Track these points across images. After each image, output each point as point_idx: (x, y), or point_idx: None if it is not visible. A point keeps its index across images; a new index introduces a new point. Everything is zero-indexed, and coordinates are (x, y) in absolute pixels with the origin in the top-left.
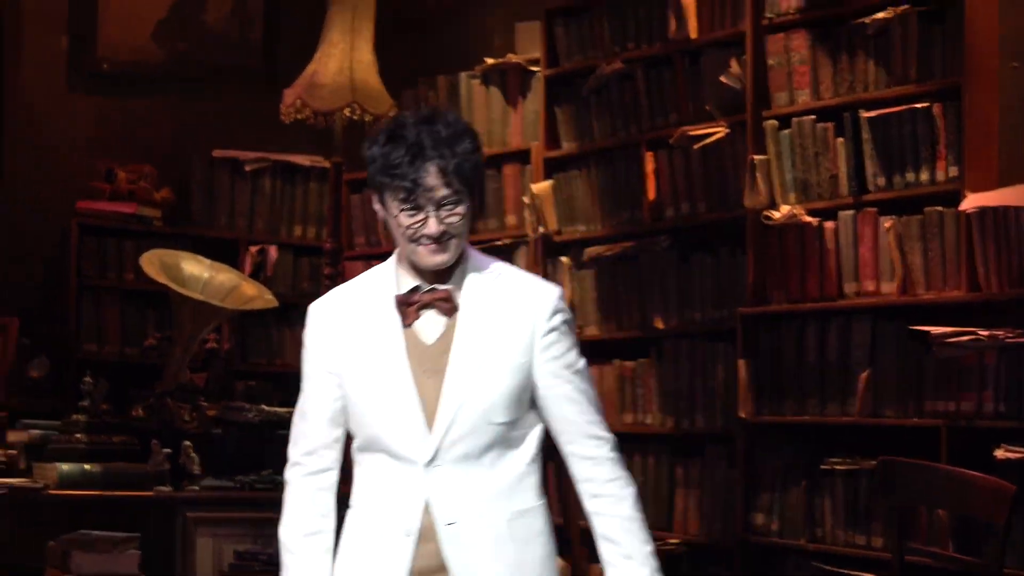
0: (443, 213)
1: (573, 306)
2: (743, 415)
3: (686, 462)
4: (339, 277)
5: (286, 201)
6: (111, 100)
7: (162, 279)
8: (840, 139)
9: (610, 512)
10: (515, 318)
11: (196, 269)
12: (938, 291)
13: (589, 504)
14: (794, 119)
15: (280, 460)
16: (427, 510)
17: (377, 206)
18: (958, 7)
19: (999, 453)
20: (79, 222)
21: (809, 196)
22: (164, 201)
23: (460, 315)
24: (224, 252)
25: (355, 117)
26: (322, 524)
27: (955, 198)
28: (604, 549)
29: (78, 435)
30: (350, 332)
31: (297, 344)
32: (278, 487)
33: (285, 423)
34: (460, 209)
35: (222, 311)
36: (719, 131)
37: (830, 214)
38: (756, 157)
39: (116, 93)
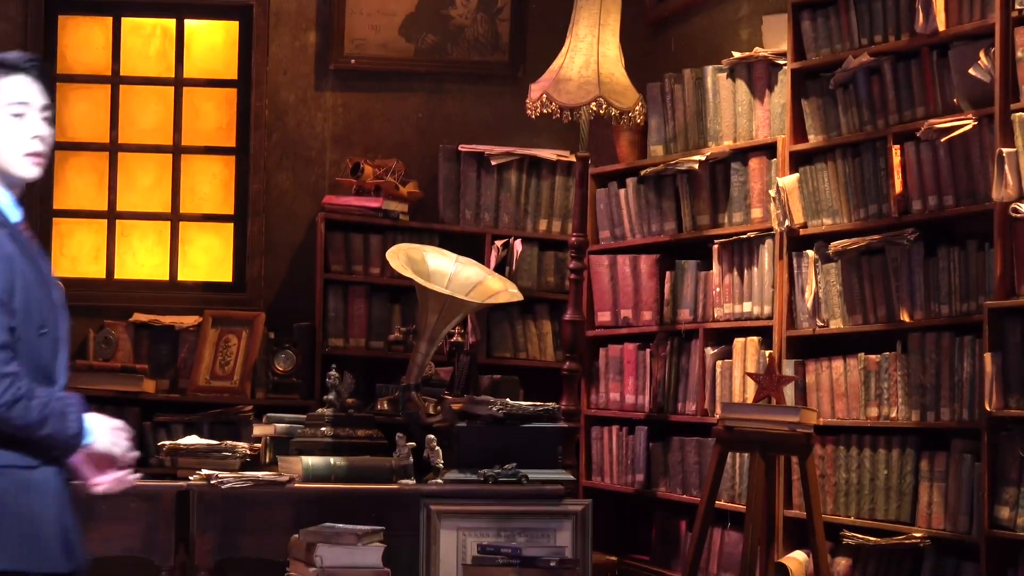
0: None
1: (818, 300)
2: (989, 408)
3: (931, 456)
4: (584, 271)
5: (531, 195)
6: (358, 95)
7: (408, 273)
8: None
9: None
10: None
11: (442, 263)
12: None
13: None
14: None
15: (525, 454)
16: None
17: None
18: None
19: None
20: (325, 217)
21: None
22: (410, 196)
23: None
24: (469, 246)
25: (601, 112)
26: None
27: None
28: None
29: (323, 429)
30: None
31: (542, 337)
32: (521, 480)
33: (530, 417)
34: None
35: (467, 305)
36: (967, 124)
37: None
38: (1004, 150)
39: (363, 88)
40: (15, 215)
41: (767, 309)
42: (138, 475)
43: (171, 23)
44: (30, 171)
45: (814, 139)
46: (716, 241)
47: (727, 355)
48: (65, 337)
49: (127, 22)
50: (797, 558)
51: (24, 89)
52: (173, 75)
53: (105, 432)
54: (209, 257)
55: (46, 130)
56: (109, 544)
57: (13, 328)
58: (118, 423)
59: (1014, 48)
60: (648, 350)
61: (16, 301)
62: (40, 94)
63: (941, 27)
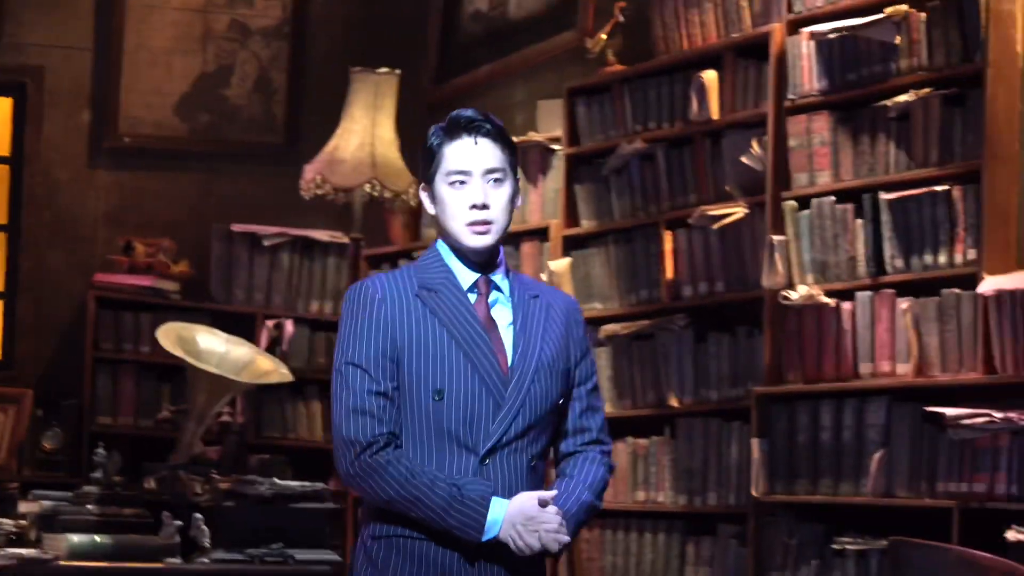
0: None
1: None
2: (756, 494)
3: (697, 540)
4: None
5: (304, 276)
6: (131, 174)
7: (178, 352)
8: (859, 220)
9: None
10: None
11: (212, 343)
12: (954, 373)
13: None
14: (814, 200)
15: (291, 534)
16: None
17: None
18: (979, 91)
19: (1011, 535)
20: (96, 295)
21: (827, 277)
22: (182, 275)
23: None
24: (241, 326)
25: (375, 194)
26: None
27: (972, 281)
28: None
29: (89, 506)
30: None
31: (311, 418)
32: (287, 560)
33: (298, 497)
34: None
35: (237, 385)
36: (738, 211)
37: (848, 295)
38: (775, 237)
39: (136, 167)
40: (467, 279)
41: None
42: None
43: None
44: (475, 241)
45: (587, 224)
46: None
47: None
48: (486, 411)
49: None
50: None
51: (462, 156)
52: None
53: (509, 527)
54: None
55: (488, 194)
56: None
57: (381, 393)
58: (534, 512)
59: (786, 137)
60: None
61: (393, 367)
62: (484, 157)
63: (715, 115)
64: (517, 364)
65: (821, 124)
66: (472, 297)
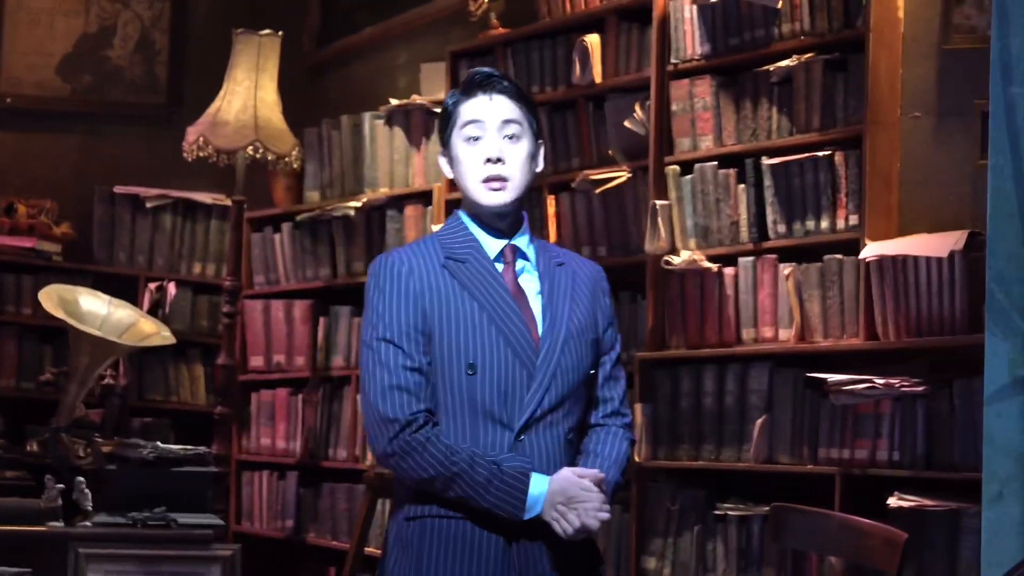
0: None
1: None
2: (638, 459)
3: None
4: (237, 315)
5: (186, 238)
6: (12, 134)
7: (60, 314)
8: (741, 186)
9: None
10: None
11: (95, 305)
12: (836, 339)
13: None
14: (696, 165)
15: (174, 498)
16: None
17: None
18: (861, 57)
19: (892, 501)
20: None
21: (710, 242)
22: (64, 236)
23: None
24: (123, 288)
25: (257, 156)
26: None
27: (855, 246)
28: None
29: None
30: None
31: (194, 381)
32: (170, 524)
33: (180, 461)
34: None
35: (119, 347)
36: (621, 175)
37: (730, 260)
38: (657, 202)
39: (18, 128)
40: (492, 248)
41: None
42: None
43: None
44: (490, 198)
45: None
46: None
47: None
48: (518, 378)
49: None
50: None
51: (477, 109)
52: None
53: (550, 507)
54: None
55: (504, 148)
56: None
57: (416, 369)
58: (574, 490)
59: (669, 101)
60: (300, 395)
61: (425, 341)
62: (499, 110)
63: (598, 79)
64: (546, 334)
65: (704, 89)
66: (499, 267)
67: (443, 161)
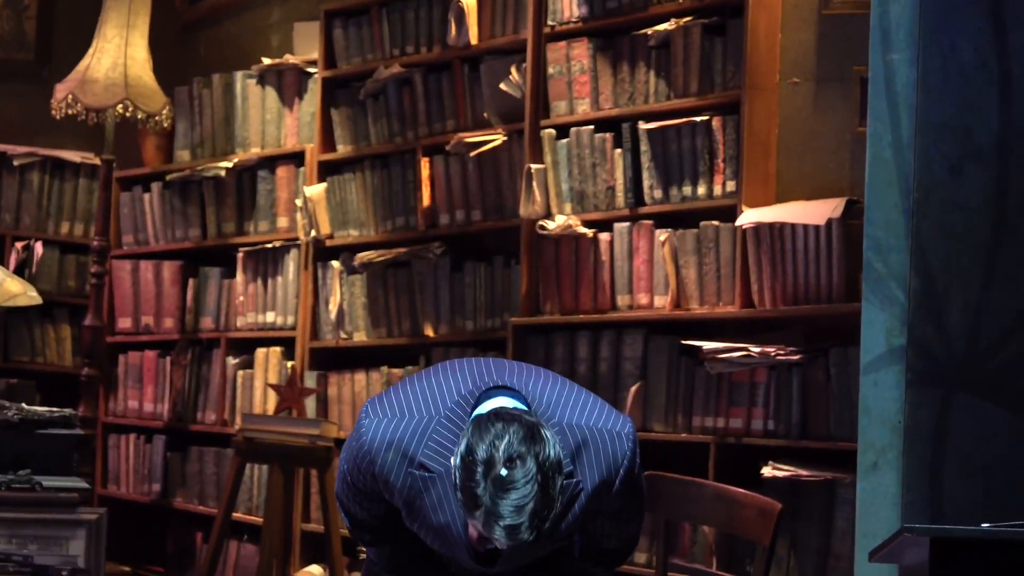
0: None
1: (343, 311)
2: None
3: None
4: (106, 276)
5: (54, 197)
6: None
7: None
8: (618, 150)
9: None
10: None
11: None
12: (711, 306)
13: None
14: (572, 129)
15: (39, 460)
16: None
17: None
18: (740, 21)
19: (766, 471)
20: None
21: (585, 207)
22: None
23: None
24: None
25: (128, 114)
26: None
27: (732, 213)
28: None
29: None
30: None
31: (61, 342)
32: (34, 487)
33: (45, 423)
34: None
35: None
36: (496, 139)
37: (606, 226)
38: (533, 166)
39: None
40: None
41: (291, 319)
42: None
43: None
44: None
45: (343, 149)
46: (241, 249)
47: (249, 365)
48: None
49: None
50: (312, 571)
51: None
52: None
53: None
54: None
55: None
56: None
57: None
58: None
59: (546, 64)
60: (169, 358)
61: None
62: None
63: (474, 40)
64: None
65: (581, 52)
66: None
67: None
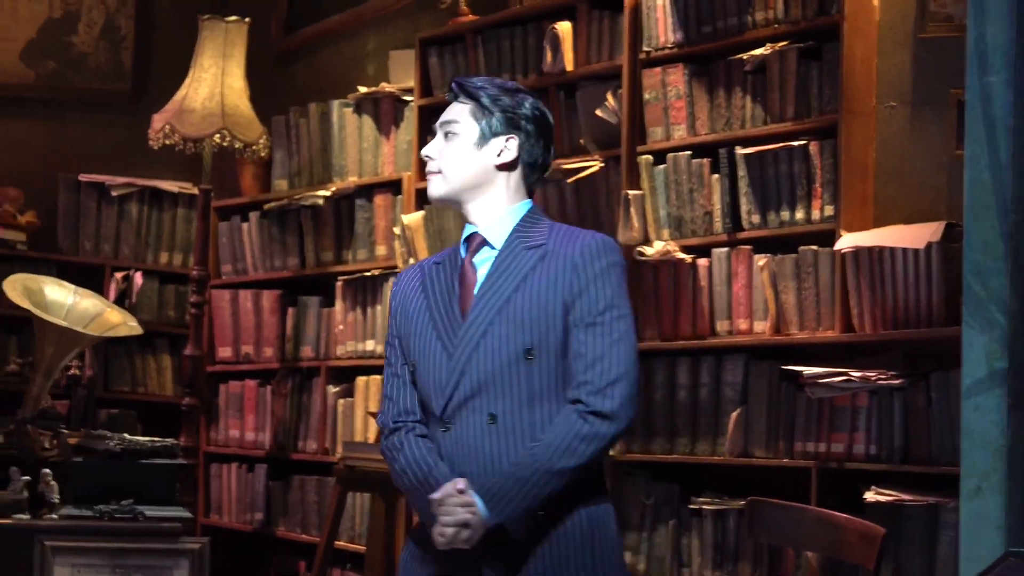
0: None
1: None
2: (613, 452)
3: None
4: (205, 305)
5: (152, 227)
6: None
7: (25, 304)
8: (715, 176)
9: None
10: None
11: (60, 294)
12: (811, 331)
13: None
14: (669, 155)
15: (142, 490)
16: None
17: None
18: (836, 45)
19: (869, 495)
20: None
21: (683, 232)
22: (29, 225)
23: None
24: (89, 278)
25: (224, 144)
26: None
27: (830, 237)
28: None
29: None
30: None
31: (161, 372)
32: (137, 517)
33: (147, 453)
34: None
35: (85, 337)
36: (594, 165)
37: (704, 251)
38: (630, 192)
39: None
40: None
41: None
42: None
43: None
44: (429, 189)
45: None
46: (340, 278)
47: (349, 393)
48: (448, 378)
49: None
50: None
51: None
52: None
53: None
54: None
55: (437, 146)
56: None
57: (396, 375)
58: (439, 495)
59: (641, 90)
60: (269, 387)
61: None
62: (444, 114)
63: (569, 67)
64: (471, 320)
65: (676, 77)
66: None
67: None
